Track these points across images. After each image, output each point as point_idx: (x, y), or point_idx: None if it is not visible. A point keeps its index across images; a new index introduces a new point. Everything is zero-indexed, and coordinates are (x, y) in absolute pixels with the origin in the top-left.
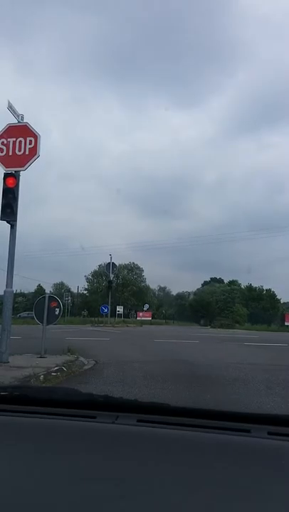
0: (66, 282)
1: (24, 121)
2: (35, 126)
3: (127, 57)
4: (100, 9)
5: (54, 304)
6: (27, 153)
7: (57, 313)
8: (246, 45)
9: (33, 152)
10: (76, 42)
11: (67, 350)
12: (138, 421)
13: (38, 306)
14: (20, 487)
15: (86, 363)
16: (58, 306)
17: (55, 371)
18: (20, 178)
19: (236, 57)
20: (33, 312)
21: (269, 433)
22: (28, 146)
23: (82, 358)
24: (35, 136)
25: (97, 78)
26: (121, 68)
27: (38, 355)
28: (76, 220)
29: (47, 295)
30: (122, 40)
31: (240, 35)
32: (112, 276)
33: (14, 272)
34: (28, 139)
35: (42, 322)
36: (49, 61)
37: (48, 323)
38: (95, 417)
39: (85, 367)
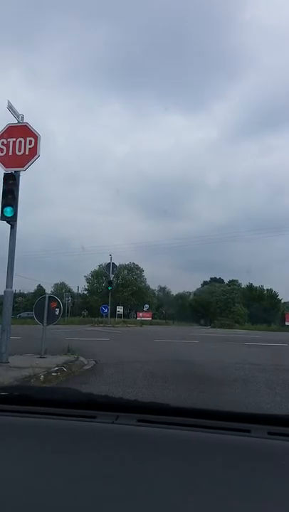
0: (66, 282)
1: (24, 121)
2: (42, 129)
3: (133, 63)
4: (108, 18)
5: (54, 305)
6: (27, 153)
7: (57, 313)
8: (250, 52)
9: (33, 152)
10: (83, 48)
11: (67, 351)
12: (138, 421)
13: (38, 306)
14: (20, 487)
15: (86, 363)
16: (58, 307)
17: (55, 371)
18: (23, 178)
19: (240, 64)
20: (33, 312)
21: (269, 433)
22: (28, 147)
23: (82, 358)
24: (36, 137)
25: (104, 84)
26: (127, 74)
27: (38, 356)
28: (77, 221)
29: (47, 295)
30: (129, 47)
31: (244, 43)
32: (112, 276)
33: (14, 272)
34: (28, 139)
35: (42, 322)
36: (57, 67)
37: (48, 323)
38: (95, 417)
39: (85, 367)
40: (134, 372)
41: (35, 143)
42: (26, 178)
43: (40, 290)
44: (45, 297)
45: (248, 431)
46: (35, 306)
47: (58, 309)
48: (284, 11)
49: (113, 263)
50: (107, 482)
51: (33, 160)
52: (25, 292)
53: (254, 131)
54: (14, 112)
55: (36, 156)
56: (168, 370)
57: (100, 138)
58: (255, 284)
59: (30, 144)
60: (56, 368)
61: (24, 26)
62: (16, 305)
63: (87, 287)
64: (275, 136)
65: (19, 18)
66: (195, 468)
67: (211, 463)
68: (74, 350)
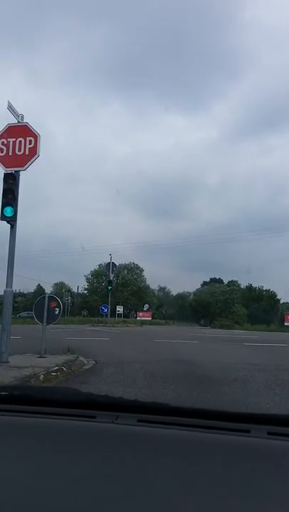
0: (67, 282)
1: (24, 121)
2: (42, 129)
3: (133, 63)
4: (107, 18)
5: (54, 304)
6: (27, 153)
7: (57, 313)
8: (250, 52)
9: (33, 152)
10: (83, 48)
11: (67, 350)
12: (138, 421)
13: (37, 306)
14: (20, 487)
15: (86, 362)
16: (58, 306)
17: (55, 371)
18: (24, 178)
19: (240, 64)
20: (33, 312)
21: (269, 433)
22: (28, 146)
23: (81, 358)
24: (35, 136)
25: (104, 84)
26: (127, 74)
27: (38, 355)
28: (77, 221)
29: (47, 295)
30: (129, 47)
31: (244, 43)
32: (112, 276)
33: (14, 272)
34: (28, 138)
35: (42, 322)
36: (57, 67)
37: (48, 323)
38: (94, 417)
39: (85, 367)
40: (134, 372)
41: (35, 142)
42: (26, 178)
43: (40, 290)
44: (45, 297)
45: (248, 431)
46: (35, 305)
47: (57, 309)
48: (284, 10)
49: (113, 263)
50: (107, 482)
51: (33, 160)
52: (25, 292)
53: (254, 131)
54: (14, 112)
55: (36, 156)
56: (168, 370)
57: (100, 138)
58: (255, 285)
59: (30, 144)
60: (56, 368)
61: (24, 26)
62: (15, 305)
63: (87, 287)
64: (275, 136)
65: (19, 18)
66: (195, 468)
67: (211, 463)
68: (74, 350)
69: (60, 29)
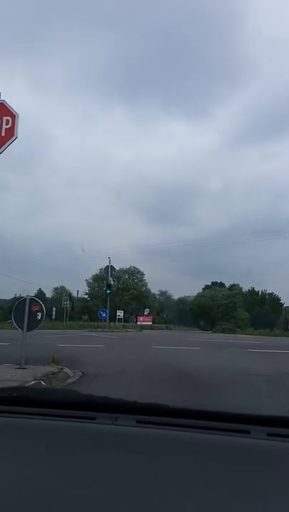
0: (69, 286)
1: (2, 98)
2: (46, 136)
3: (136, 72)
4: (110, 27)
5: (36, 308)
6: (3, 134)
7: (39, 318)
8: (252, 61)
9: (10, 133)
10: (87, 56)
11: (51, 360)
12: (137, 422)
13: (17, 310)
14: (20, 488)
15: (71, 375)
16: (41, 311)
17: (31, 386)
18: (27, 184)
19: (243, 73)
20: (12, 317)
21: (268, 434)
22: (4, 127)
23: (66, 370)
24: (13, 116)
25: (107, 92)
26: (130, 83)
27: (18, 366)
28: (79, 225)
29: (28, 297)
30: (133, 56)
31: (247, 52)
32: (111, 279)
33: (16, 277)
34: (4, 118)
35: (22, 328)
36: (60, 74)
37: (29, 329)
38: (94, 418)
39: (69, 380)
40: (127, 386)
41: (13, 123)
42: (29, 184)
43: (40, 294)
44: (25, 300)
45: (248, 432)
46: (14, 309)
47: (40, 313)
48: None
49: (112, 266)
50: (106, 483)
51: (10, 142)
52: (25, 296)
53: (256, 137)
54: None
55: (14, 138)
56: (166, 383)
57: (103, 144)
58: (257, 288)
59: (7, 124)
60: (33, 382)
61: (28, 35)
62: None
63: (87, 291)
64: (277, 142)
65: (24, 26)
66: (194, 470)
67: (211, 464)
68: (61, 360)
69: (64, 37)
